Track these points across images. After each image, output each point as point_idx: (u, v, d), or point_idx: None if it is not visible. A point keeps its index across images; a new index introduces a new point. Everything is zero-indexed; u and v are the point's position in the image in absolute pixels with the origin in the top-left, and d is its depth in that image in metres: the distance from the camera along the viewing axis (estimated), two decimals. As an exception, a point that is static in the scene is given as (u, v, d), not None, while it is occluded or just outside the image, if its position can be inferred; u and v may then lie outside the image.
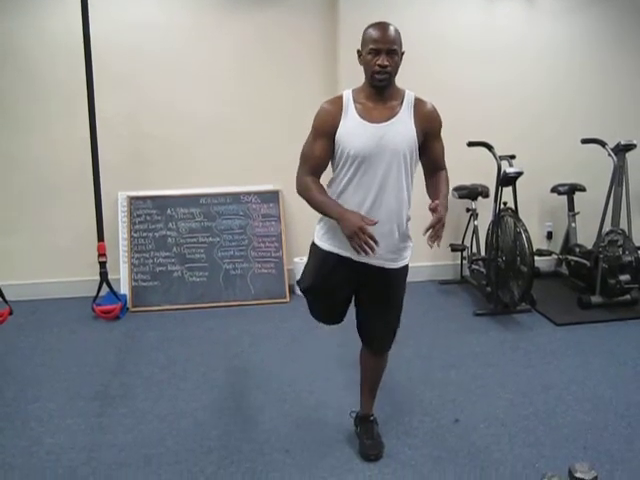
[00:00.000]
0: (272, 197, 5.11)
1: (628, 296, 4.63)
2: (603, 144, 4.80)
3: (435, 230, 2.33)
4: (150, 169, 5.01)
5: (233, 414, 3.20)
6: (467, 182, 5.11)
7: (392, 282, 2.64)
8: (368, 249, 2.31)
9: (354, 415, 2.97)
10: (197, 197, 5.04)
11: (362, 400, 2.93)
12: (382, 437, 2.89)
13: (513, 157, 4.66)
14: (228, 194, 5.08)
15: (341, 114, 2.45)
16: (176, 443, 2.93)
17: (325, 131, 2.47)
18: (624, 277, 4.55)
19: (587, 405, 3.25)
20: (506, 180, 4.48)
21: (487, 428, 3.03)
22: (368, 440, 2.83)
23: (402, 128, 2.45)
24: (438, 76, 5.00)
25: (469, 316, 4.59)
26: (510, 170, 4.41)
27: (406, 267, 2.66)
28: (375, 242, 2.31)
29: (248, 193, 5.09)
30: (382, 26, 2.38)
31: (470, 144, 4.61)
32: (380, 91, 2.43)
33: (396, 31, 2.38)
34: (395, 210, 2.50)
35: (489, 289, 4.67)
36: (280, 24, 4.94)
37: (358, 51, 2.46)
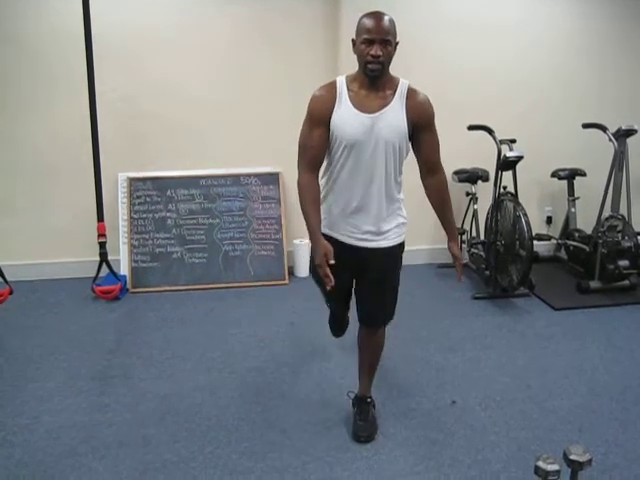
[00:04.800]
0: (272, 179, 5.10)
1: (627, 281, 4.65)
2: (604, 129, 4.79)
3: (460, 270, 2.71)
4: (150, 150, 5.00)
5: (231, 394, 3.22)
6: (467, 166, 5.11)
7: (387, 260, 2.66)
8: (327, 279, 2.44)
9: (352, 396, 2.99)
10: (197, 178, 5.03)
11: (360, 381, 2.96)
12: (377, 420, 2.92)
13: (514, 141, 4.65)
14: (228, 176, 5.07)
15: (335, 101, 2.46)
16: (175, 423, 2.96)
17: (321, 119, 2.48)
18: (623, 262, 4.56)
19: (583, 389, 3.27)
20: (506, 164, 4.47)
21: (483, 410, 3.06)
22: (361, 422, 2.86)
23: (393, 118, 2.46)
24: (438, 58, 5.01)
25: (467, 299, 4.60)
26: (510, 154, 4.41)
27: (400, 246, 2.70)
28: (329, 278, 2.42)
29: (248, 175, 5.08)
30: (376, 16, 2.36)
31: (470, 128, 4.59)
32: (373, 80, 2.43)
33: (390, 21, 2.37)
34: (385, 193, 2.56)
35: (488, 273, 4.68)
36: (280, 7, 4.89)
37: (353, 40, 2.45)
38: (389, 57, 2.39)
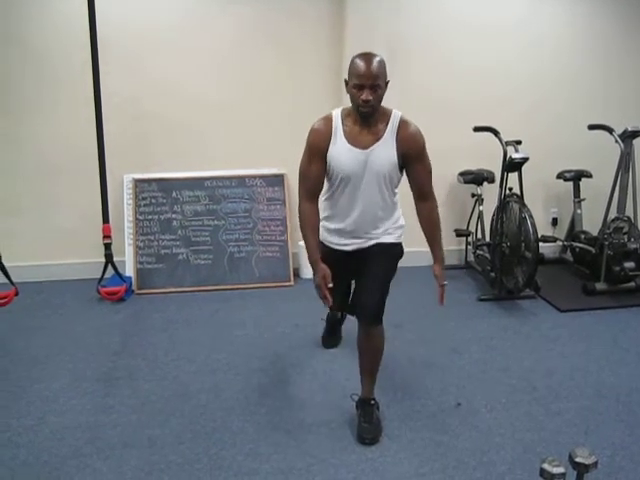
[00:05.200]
0: (277, 181, 5.10)
1: (633, 283, 4.62)
2: (610, 130, 4.77)
3: (442, 293, 2.84)
4: (155, 151, 5.01)
5: (236, 396, 3.22)
6: (473, 167, 5.10)
7: (380, 256, 2.81)
8: (326, 300, 2.67)
9: (356, 399, 2.99)
10: (202, 180, 5.04)
11: (362, 384, 2.94)
12: (382, 421, 2.91)
13: (519, 142, 4.63)
14: (233, 177, 5.07)
15: (331, 136, 2.66)
16: (180, 424, 2.95)
17: (318, 153, 2.69)
18: (629, 264, 4.55)
19: (589, 391, 3.26)
20: (512, 165, 4.46)
21: (489, 412, 3.05)
22: (365, 424, 2.85)
23: (384, 152, 2.65)
24: (442, 59, 5.02)
25: (473, 301, 4.59)
26: (516, 155, 4.39)
27: (395, 245, 2.84)
28: (328, 299, 2.66)
29: (253, 176, 5.09)
30: (367, 60, 2.50)
31: (476, 129, 4.58)
32: (365, 118, 2.60)
33: (380, 63, 2.51)
34: (381, 213, 2.79)
35: (493, 275, 4.66)
36: (284, 6, 4.89)
37: (345, 80, 2.59)
38: (380, 98, 2.56)
